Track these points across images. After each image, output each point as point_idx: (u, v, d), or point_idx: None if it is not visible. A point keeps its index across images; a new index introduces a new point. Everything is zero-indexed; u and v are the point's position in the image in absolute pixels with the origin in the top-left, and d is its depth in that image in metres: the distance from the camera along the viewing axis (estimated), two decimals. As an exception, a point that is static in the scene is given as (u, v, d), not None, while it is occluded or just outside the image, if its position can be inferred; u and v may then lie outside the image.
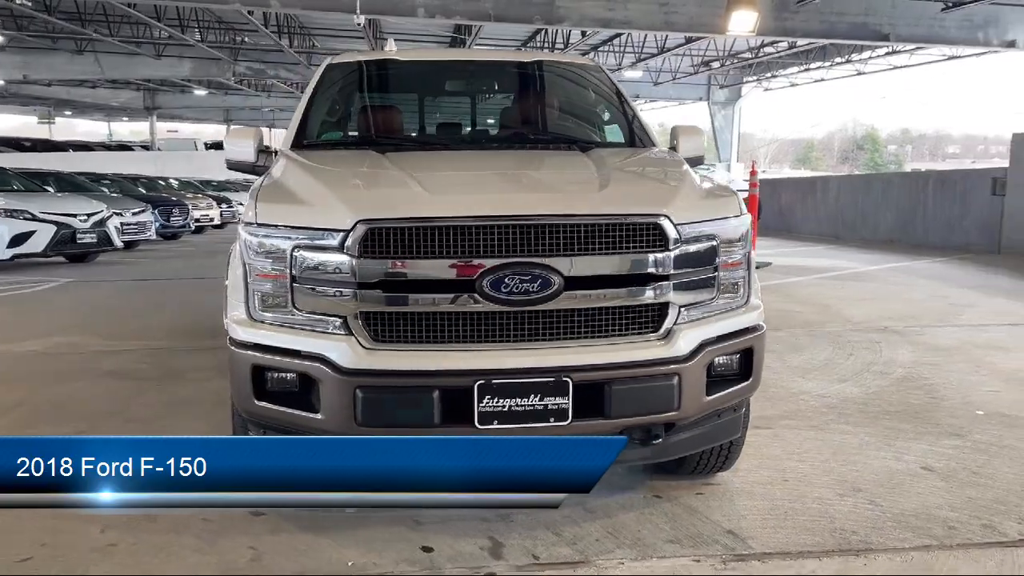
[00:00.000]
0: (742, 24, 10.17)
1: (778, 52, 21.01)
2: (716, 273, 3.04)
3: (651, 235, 2.89)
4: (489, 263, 2.75)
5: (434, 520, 3.34)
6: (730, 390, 3.10)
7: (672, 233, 2.90)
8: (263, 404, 2.94)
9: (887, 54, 18.56)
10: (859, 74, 20.98)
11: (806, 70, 20.94)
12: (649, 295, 2.90)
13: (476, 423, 2.76)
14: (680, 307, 2.95)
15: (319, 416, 2.81)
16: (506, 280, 2.75)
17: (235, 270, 3.09)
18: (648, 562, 3.00)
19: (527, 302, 2.78)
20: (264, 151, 4.26)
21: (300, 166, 3.47)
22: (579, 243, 2.81)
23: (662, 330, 2.94)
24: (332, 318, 2.84)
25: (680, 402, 2.91)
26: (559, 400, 2.78)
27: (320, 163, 3.52)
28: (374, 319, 2.81)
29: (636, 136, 4.25)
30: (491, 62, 4.57)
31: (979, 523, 3.33)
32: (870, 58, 19.78)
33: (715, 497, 3.58)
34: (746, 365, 3.15)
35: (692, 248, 2.95)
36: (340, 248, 2.79)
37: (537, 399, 2.77)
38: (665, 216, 2.90)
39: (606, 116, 4.56)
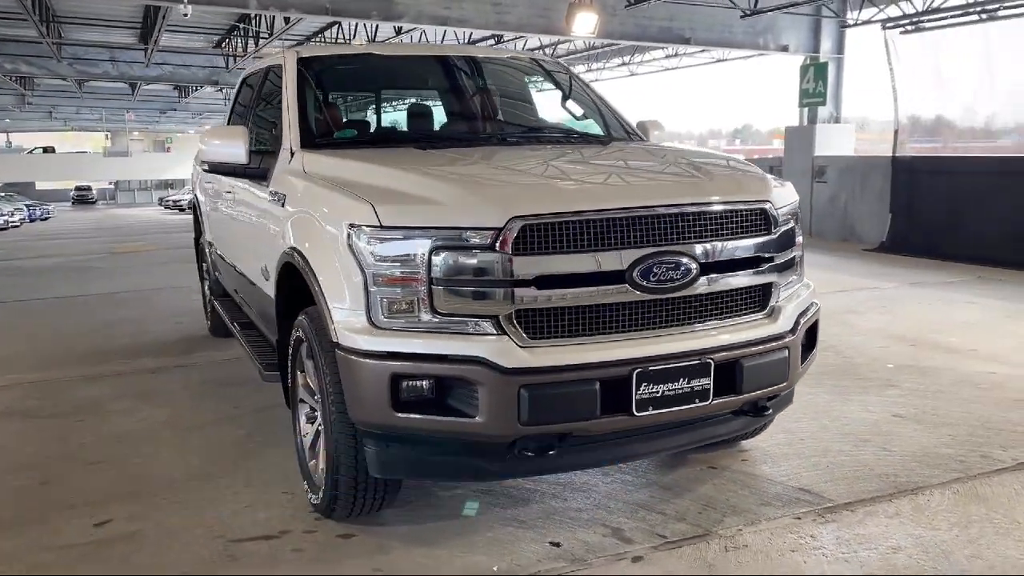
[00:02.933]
0: (584, 26, 10.74)
1: (557, 55, 22.13)
2: (794, 253, 3.32)
3: (760, 220, 3.11)
4: (638, 253, 2.82)
5: (536, 516, 3.34)
6: (808, 359, 3.41)
7: (773, 217, 3.14)
8: (406, 415, 2.78)
9: (666, 57, 20.33)
10: (632, 75, 22.70)
11: (588, 71, 22.28)
12: (761, 276, 3.11)
13: (634, 411, 2.82)
14: (779, 286, 3.20)
15: (477, 419, 2.72)
16: (653, 269, 2.83)
17: (346, 277, 2.87)
18: (761, 525, 3.23)
19: (670, 289, 2.88)
20: (255, 152, 3.93)
21: (377, 165, 3.26)
22: (710, 230, 2.96)
23: (767, 308, 3.17)
24: (481, 319, 2.76)
25: (788, 373, 3.17)
26: (703, 381, 2.91)
27: (398, 162, 3.33)
28: (528, 316, 2.77)
29: (631, 128, 4.45)
30: (484, 58, 4.51)
31: (977, 455, 3.92)
32: (642, 61, 21.52)
33: (762, 462, 3.88)
34: (813, 336, 3.47)
35: (784, 230, 3.21)
36: (491, 247, 2.72)
37: (685, 382, 2.88)
38: (769, 202, 3.14)
39: (579, 111, 4.69)
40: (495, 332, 2.75)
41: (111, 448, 4.29)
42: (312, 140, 3.82)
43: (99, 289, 10.29)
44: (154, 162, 64.17)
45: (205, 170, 4.09)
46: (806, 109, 14.32)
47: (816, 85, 13.83)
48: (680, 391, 2.87)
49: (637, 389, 2.81)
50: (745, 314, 3.10)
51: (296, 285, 3.55)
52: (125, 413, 4.89)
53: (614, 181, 3.12)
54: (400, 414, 2.78)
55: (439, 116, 4.33)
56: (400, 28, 14.62)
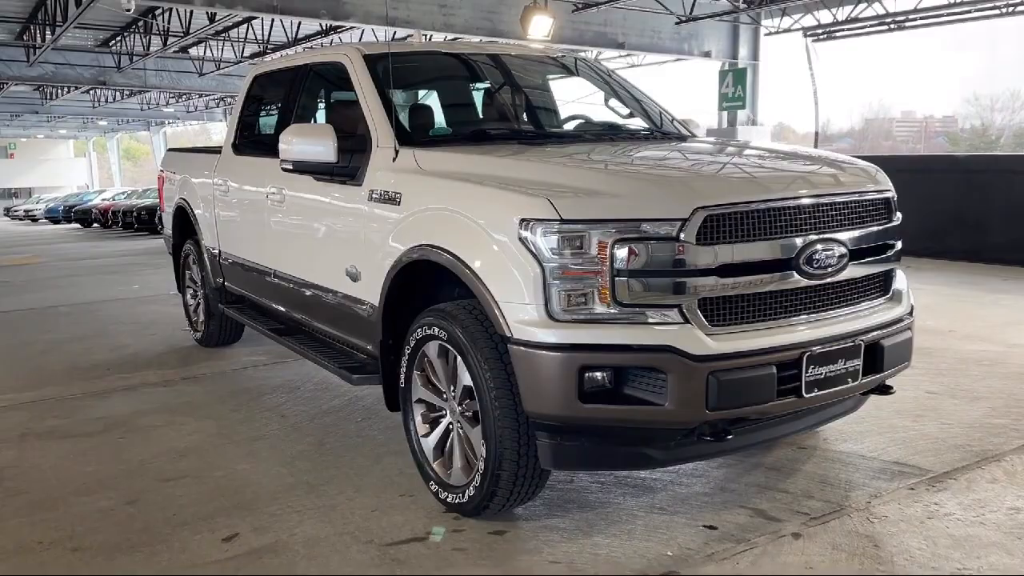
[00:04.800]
0: (539, 29, 10.88)
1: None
2: (900, 241, 3.54)
3: (886, 209, 3.32)
4: (804, 240, 2.96)
5: (671, 503, 3.42)
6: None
7: (894, 206, 3.36)
8: (592, 406, 2.81)
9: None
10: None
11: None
12: (886, 262, 3.32)
13: (803, 393, 2.95)
14: (895, 271, 3.42)
15: (666, 406, 2.78)
16: (815, 255, 2.98)
17: (520, 272, 2.87)
18: (884, 497, 3.43)
19: (827, 274, 3.03)
20: (348, 151, 3.83)
21: (514, 160, 3.27)
22: (855, 218, 3.14)
23: (890, 292, 3.38)
24: (666, 308, 2.82)
25: (911, 353, 3.39)
26: (855, 362, 3.08)
27: (530, 156, 3.35)
28: (710, 304, 2.86)
29: (682, 124, 4.61)
30: (542, 57, 4.54)
31: (1026, 423, 4.28)
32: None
33: (842, 441, 4.09)
34: (910, 318, 3.71)
35: (898, 217, 3.43)
36: (676, 237, 2.79)
37: (842, 363, 3.04)
38: (890, 191, 3.35)
39: (626, 109, 4.79)
40: (680, 320, 2.82)
41: (180, 463, 4.07)
42: (410, 138, 3.76)
43: (28, 304, 9.58)
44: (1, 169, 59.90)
45: (287, 170, 3.94)
46: (725, 112, 15.02)
47: (735, 89, 14.54)
48: (838, 372, 3.03)
49: (805, 372, 2.94)
50: (874, 298, 3.30)
51: (405, 284, 3.52)
52: (167, 428, 4.63)
53: (770, 172, 3.24)
54: (587, 405, 2.81)
55: (509, 112, 4.35)
56: (330, 27, 14.31)
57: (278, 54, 18.43)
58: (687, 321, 2.82)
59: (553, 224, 2.82)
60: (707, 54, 14.71)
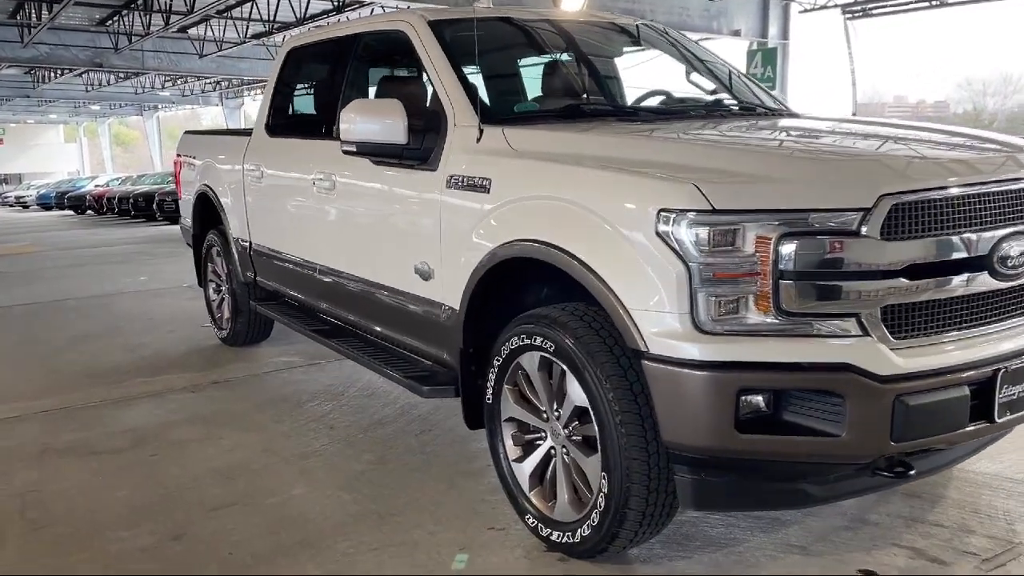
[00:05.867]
0: (572, 3, 10.34)
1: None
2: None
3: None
4: (1000, 234, 2.46)
5: (809, 540, 2.94)
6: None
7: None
8: (750, 436, 2.31)
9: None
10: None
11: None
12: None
13: (995, 417, 2.46)
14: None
15: (842, 437, 2.29)
16: (1010, 253, 2.48)
17: (657, 272, 2.36)
18: (1054, 533, 2.95)
19: (1020, 275, 2.54)
20: (418, 131, 3.31)
21: (635, 139, 2.76)
22: (1045, 208, 2.64)
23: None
24: (840, 317, 2.32)
25: (1090, 367, 2.89)
26: (1045, 380, 2.58)
27: (664, 135, 2.85)
28: (894, 312, 2.36)
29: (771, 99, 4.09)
30: (616, 26, 4.02)
31: None
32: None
33: (977, 460, 3.57)
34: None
35: (1076, 209, 2.92)
36: (856, 231, 2.29)
37: (1032, 381, 2.54)
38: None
39: (717, 83, 4.26)
40: (859, 333, 2.32)
41: (225, 487, 3.56)
42: (492, 115, 3.24)
43: (31, 297, 9.05)
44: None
45: (349, 152, 3.41)
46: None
47: (765, 70, 13.98)
48: (1024, 393, 2.54)
49: (999, 392, 2.45)
50: (1048, 301, 2.80)
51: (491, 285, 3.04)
52: (204, 443, 4.13)
53: (951, 154, 2.72)
54: (744, 435, 2.32)
55: (598, 86, 3.83)
56: (342, 3, 13.71)
57: (282, 35, 17.80)
58: (867, 333, 2.32)
59: (703, 215, 2.31)
60: (736, 32, 14.14)
